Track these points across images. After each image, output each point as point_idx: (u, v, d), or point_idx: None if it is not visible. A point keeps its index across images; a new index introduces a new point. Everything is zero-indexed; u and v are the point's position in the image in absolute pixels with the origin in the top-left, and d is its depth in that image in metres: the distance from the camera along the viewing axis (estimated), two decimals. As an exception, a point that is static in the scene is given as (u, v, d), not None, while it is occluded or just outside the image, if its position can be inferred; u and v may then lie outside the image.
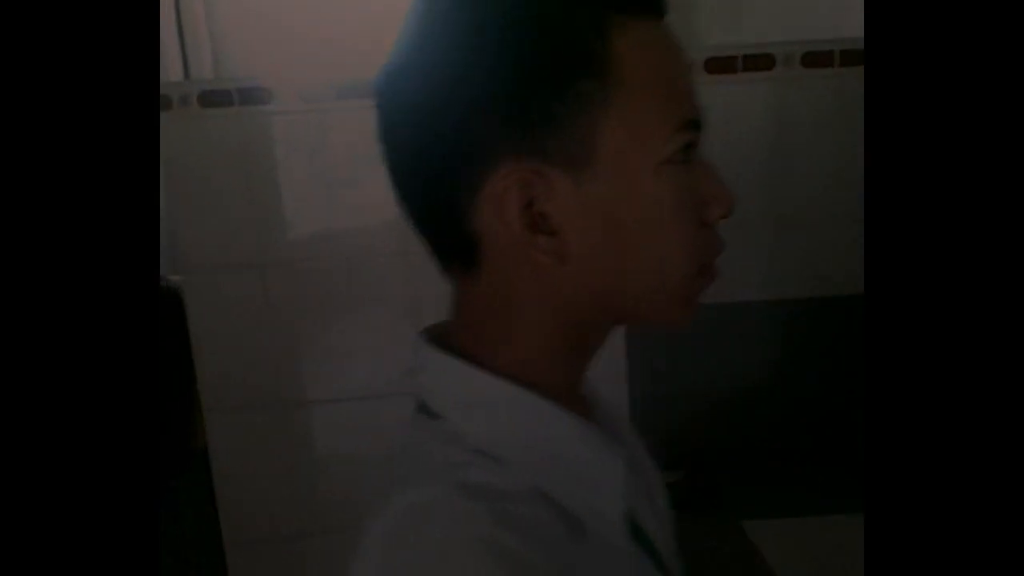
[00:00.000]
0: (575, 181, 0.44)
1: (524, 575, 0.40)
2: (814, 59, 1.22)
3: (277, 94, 1.19)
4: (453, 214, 0.46)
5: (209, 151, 1.21)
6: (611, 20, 0.43)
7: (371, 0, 1.15)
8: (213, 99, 1.19)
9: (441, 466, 0.45)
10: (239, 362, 1.26)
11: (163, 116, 1.20)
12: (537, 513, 0.44)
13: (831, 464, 1.23)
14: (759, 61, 1.21)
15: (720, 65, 1.22)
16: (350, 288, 1.24)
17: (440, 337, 0.51)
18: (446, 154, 0.45)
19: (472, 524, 0.41)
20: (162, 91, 1.20)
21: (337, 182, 1.23)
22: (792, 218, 1.28)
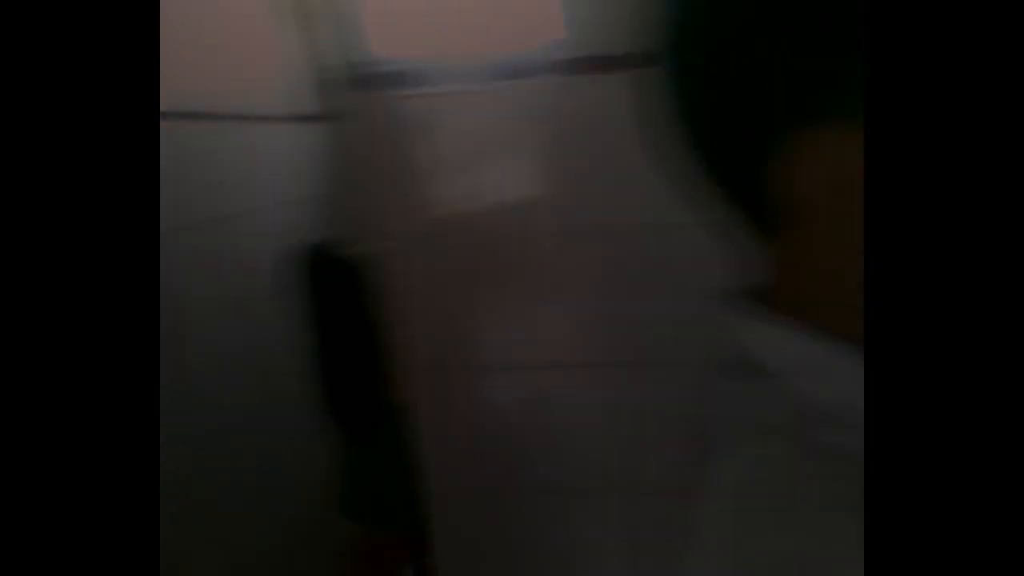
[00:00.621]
0: None
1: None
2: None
3: (431, 76, 1.20)
4: (771, 182, 0.46)
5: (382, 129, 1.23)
6: None
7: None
8: (371, 81, 1.20)
9: (781, 422, 0.47)
10: (435, 325, 1.33)
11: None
12: None
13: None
14: None
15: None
16: (514, 260, 1.28)
17: (757, 299, 0.52)
18: (762, 124, 0.45)
19: (821, 480, 0.43)
20: (318, 76, 1.21)
21: (491, 160, 1.25)
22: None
